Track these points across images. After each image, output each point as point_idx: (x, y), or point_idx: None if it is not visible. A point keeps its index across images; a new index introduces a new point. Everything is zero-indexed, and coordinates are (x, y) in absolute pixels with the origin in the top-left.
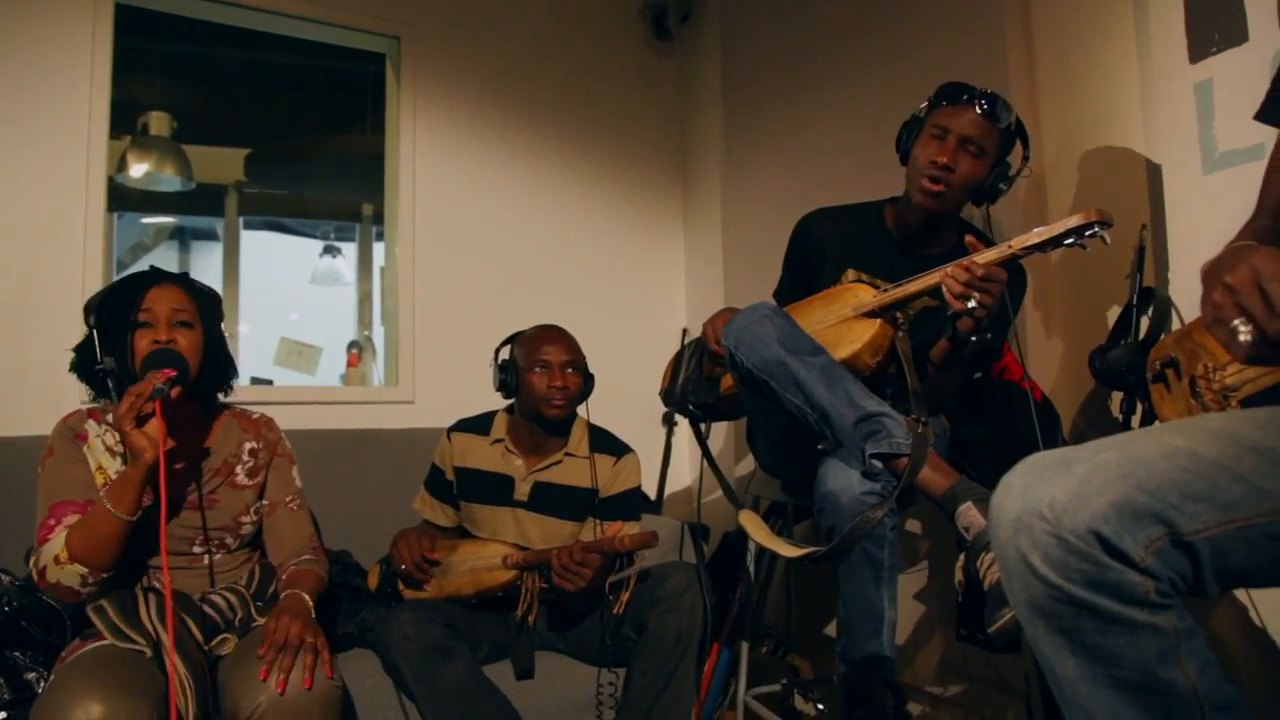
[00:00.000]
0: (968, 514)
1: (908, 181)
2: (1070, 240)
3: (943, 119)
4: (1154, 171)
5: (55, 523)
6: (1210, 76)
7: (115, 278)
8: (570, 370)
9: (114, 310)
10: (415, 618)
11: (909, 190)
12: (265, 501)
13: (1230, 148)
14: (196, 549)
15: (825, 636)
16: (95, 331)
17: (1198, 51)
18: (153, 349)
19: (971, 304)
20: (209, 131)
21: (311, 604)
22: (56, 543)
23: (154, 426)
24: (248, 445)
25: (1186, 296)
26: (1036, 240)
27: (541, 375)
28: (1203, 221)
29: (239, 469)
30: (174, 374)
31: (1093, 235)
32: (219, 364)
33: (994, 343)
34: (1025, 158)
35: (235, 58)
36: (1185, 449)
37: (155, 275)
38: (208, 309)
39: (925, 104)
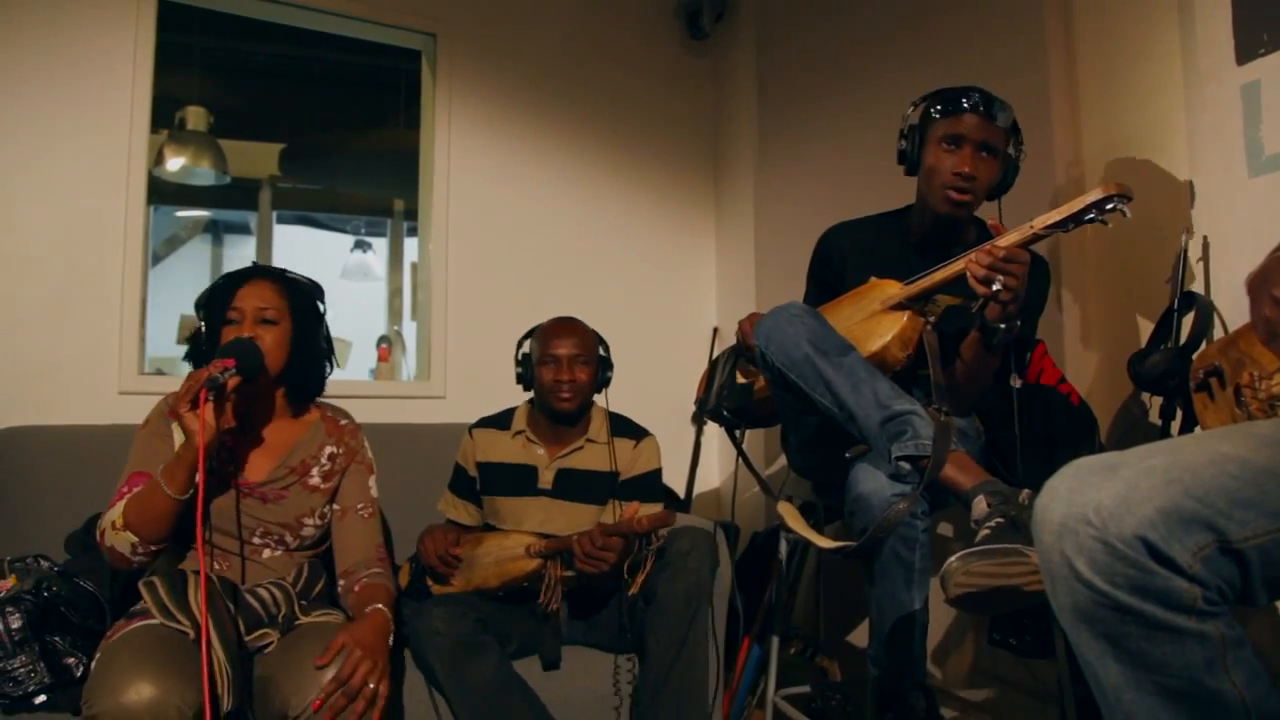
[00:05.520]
0: (978, 506)
1: (926, 191)
2: (1091, 216)
3: (953, 128)
4: (1197, 174)
5: (127, 490)
6: (1258, 78)
7: (151, 270)
8: (579, 364)
9: (212, 307)
10: (446, 613)
11: (928, 199)
12: (336, 506)
13: (1278, 150)
14: (256, 540)
15: (854, 639)
16: (204, 325)
17: (1245, 52)
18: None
19: (996, 286)
20: (245, 126)
21: (392, 627)
22: (118, 508)
23: (207, 411)
24: (328, 449)
25: (1229, 301)
26: (1057, 218)
27: (550, 369)
28: (1247, 225)
29: (314, 470)
30: (232, 364)
31: (1113, 209)
32: (309, 359)
33: (1023, 334)
34: (1018, 145)
35: (271, 53)
36: (1234, 455)
37: (250, 273)
38: (300, 305)
39: (913, 109)
